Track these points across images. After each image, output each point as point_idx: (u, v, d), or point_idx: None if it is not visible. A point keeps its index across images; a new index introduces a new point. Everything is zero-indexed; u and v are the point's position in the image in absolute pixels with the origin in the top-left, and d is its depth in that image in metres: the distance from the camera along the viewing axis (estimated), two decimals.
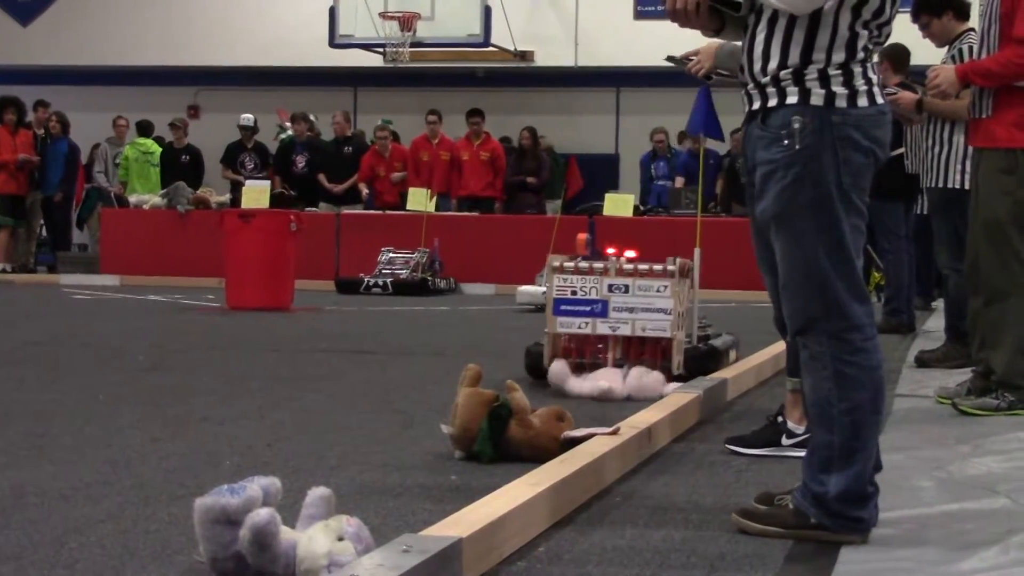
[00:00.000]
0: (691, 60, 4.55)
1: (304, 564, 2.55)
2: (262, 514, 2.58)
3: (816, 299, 3.12)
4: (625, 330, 5.70)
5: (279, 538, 2.59)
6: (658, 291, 5.68)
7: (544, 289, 7.72)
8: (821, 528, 3.14)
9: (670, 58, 4.83)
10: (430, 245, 13.91)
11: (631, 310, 5.68)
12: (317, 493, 2.73)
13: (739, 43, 3.30)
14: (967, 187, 5.91)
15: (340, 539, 2.55)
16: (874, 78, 3.15)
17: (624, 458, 3.97)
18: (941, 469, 4.14)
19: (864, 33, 3.12)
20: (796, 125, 3.08)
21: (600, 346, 5.79)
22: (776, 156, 3.11)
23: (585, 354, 5.79)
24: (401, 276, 13.60)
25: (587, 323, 5.72)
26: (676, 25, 3.35)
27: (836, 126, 3.08)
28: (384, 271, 13.75)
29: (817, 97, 3.09)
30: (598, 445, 3.85)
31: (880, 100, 3.15)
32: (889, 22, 3.16)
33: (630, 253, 5.96)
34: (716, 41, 3.95)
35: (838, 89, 3.09)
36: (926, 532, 3.26)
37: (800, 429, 4.25)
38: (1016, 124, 5.17)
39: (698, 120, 6.27)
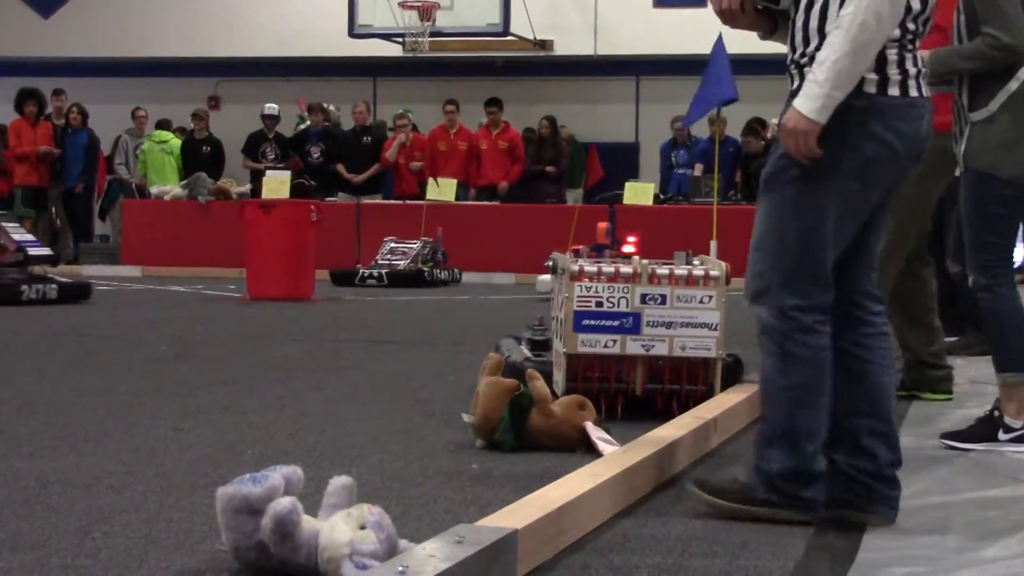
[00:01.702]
0: None
1: (326, 553, 2.55)
2: (284, 503, 2.58)
3: (777, 271, 3.09)
4: (661, 349, 4.70)
5: (301, 527, 2.59)
6: (701, 302, 4.69)
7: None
8: (768, 504, 3.15)
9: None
10: (433, 235, 13.65)
11: (668, 325, 4.70)
12: (339, 482, 2.73)
13: None
14: None
15: (362, 528, 2.55)
16: (911, 70, 3.08)
17: (688, 450, 3.92)
18: (964, 456, 4.14)
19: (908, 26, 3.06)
20: None
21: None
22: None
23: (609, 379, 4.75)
24: (398, 267, 13.20)
25: (615, 341, 4.69)
26: (721, 22, 3.32)
27: (856, 111, 3.04)
28: (381, 262, 13.37)
29: None
30: (660, 436, 3.81)
31: (914, 93, 3.08)
32: (926, 16, 3.10)
33: (629, 247, 5.44)
34: None
35: (868, 75, 3.04)
36: (949, 519, 3.26)
37: (1018, 423, 4.20)
38: None
39: (716, 87, 5.93)
